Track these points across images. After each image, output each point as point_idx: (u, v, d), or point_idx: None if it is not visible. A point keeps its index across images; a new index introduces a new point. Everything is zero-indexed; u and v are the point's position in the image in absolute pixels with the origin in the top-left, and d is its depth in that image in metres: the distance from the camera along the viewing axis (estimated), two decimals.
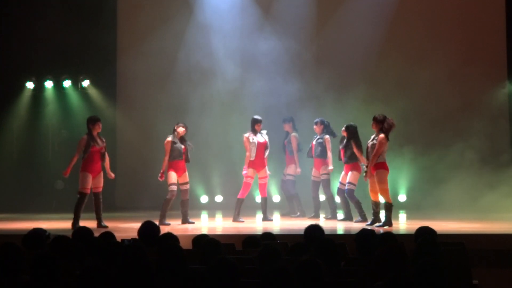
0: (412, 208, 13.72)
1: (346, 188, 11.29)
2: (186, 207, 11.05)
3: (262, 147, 11.48)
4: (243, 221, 11.35)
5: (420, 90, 14.40)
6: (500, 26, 14.57)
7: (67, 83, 15.31)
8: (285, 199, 13.09)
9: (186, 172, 11.14)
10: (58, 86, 15.35)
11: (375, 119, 10.38)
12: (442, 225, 9.79)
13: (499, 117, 14.36)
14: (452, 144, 13.98)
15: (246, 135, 11.51)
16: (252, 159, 11.42)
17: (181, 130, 11.08)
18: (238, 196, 11.53)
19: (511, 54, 14.46)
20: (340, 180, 11.49)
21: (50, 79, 15.21)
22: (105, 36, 15.19)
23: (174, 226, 10.69)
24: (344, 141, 11.37)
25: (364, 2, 14.67)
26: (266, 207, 11.63)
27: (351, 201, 11.33)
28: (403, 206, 13.99)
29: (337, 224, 11.28)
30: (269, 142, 11.66)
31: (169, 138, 11.04)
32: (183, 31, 14.95)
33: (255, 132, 11.52)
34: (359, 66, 14.52)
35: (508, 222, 10.69)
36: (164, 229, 6.69)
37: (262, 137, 11.57)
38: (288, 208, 12.78)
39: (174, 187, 10.98)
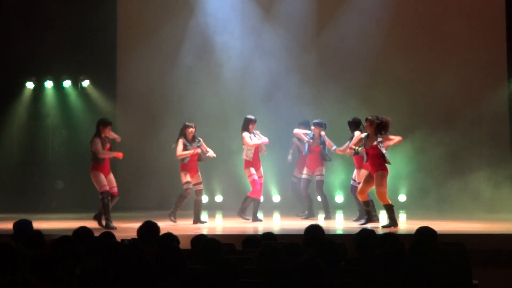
0: (412, 208, 13.71)
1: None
2: (199, 207, 11.14)
3: (257, 148, 11.41)
4: (248, 219, 11.32)
5: (421, 90, 14.41)
6: (500, 25, 14.56)
7: (67, 83, 15.32)
8: (297, 199, 12.80)
9: (199, 173, 11.22)
10: (58, 86, 15.35)
11: (368, 121, 10.26)
12: (442, 225, 9.79)
13: (500, 117, 14.36)
14: (452, 144, 13.98)
15: (246, 134, 11.38)
16: (250, 159, 11.33)
17: (190, 130, 11.11)
18: (255, 197, 11.36)
19: (511, 54, 14.46)
20: (353, 177, 11.16)
21: (50, 79, 15.22)
22: (105, 36, 15.19)
23: (177, 225, 10.69)
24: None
25: (364, 2, 14.66)
26: (257, 209, 11.49)
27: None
28: (403, 206, 13.98)
29: (337, 224, 11.27)
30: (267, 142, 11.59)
31: (181, 140, 11.06)
32: (183, 31, 14.95)
33: (249, 131, 11.43)
34: (360, 66, 14.51)
35: (508, 222, 10.68)
36: (164, 229, 6.69)
37: (256, 138, 11.47)
38: (301, 208, 12.46)
39: (189, 185, 11.08)
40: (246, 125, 11.36)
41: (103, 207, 10.62)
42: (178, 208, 11.11)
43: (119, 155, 10.87)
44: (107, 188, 10.66)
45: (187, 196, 11.12)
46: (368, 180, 10.15)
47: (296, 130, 12.02)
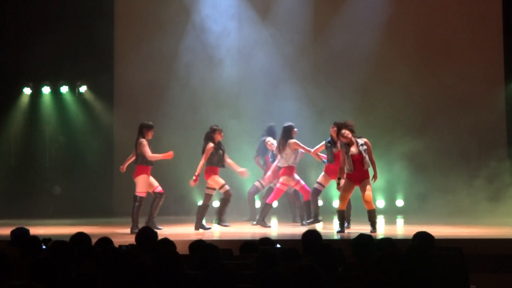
0: (409, 213, 13.71)
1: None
2: (203, 212, 11.07)
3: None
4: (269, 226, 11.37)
5: (419, 94, 14.42)
6: (498, 27, 14.60)
7: (64, 89, 15.32)
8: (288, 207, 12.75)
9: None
10: (55, 92, 15.35)
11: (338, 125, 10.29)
12: (440, 230, 9.79)
13: (497, 122, 14.38)
14: (450, 148, 14.00)
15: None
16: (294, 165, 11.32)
17: (220, 135, 10.97)
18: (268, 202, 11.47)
19: (508, 56, 14.49)
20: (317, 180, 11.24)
21: (47, 85, 15.23)
22: (102, 41, 15.19)
23: (171, 230, 10.68)
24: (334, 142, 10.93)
25: (361, 7, 14.69)
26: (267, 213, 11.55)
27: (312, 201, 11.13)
28: (400, 211, 13.98)
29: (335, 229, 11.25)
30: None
31: (211, 145, 10.89)
32: (180, 36, 14.96)
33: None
34: (356, 69, 14.53)
35: (506, 227, 10.69)
36: (162, 235, 6.68)
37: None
38: (298, 214, 12.32)
39: (227, 186, 10.94)
40: (289, 132, 11.25)
41: (132, 210, 10.54)
42: (223, 213, 11.00)
43: (169, 155, 10.68)
44: (144, 195, 10.58)
45: (229, 197, 10.96)
46: (348, 187, 10.02)
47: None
